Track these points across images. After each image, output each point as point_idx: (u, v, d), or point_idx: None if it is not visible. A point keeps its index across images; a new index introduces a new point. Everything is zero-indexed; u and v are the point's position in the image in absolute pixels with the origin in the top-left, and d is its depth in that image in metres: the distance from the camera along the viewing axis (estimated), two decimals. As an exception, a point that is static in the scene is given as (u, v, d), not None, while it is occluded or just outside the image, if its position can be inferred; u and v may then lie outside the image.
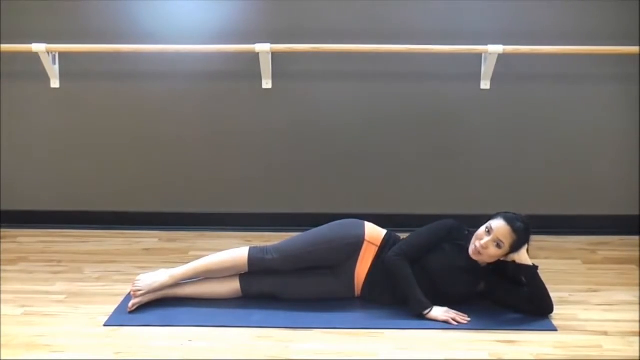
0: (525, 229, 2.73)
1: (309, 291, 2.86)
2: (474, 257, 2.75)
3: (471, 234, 2.80)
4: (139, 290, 2.80)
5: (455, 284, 2.79)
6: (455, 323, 2.69)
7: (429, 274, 2.79)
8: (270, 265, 2.84)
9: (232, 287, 2.88)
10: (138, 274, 3.16)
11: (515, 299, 2.80)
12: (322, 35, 3.64)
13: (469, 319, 2.71)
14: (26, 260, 3.42)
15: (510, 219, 2.72)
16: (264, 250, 2.87)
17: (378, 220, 3.41)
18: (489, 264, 2.80)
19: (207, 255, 2.92)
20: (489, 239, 2.70)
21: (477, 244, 2.72)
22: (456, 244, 2.83)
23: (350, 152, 3.88)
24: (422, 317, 2.72)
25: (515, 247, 2.72)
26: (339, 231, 2.91)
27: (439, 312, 2.73)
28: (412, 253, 2.81)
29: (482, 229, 2.74)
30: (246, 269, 2.86)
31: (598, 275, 3.24)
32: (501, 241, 2.69)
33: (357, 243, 2.87)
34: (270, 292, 2.86)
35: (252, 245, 2.90)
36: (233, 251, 2.89)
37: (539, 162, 3.86)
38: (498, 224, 2.71)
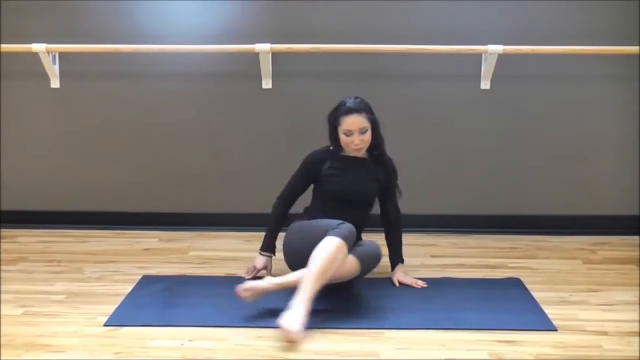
0: (359, 100, 2.98)
1: None
2: (358, 154, 3.01)
3: (333, 143, 3.03)
4: (247, 297, 2.75)
5: (363, 187, 3.03)
6: None
7: (341, 197, 2.99)
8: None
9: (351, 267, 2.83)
10: (138, 274, 3.18)
11: (390, 206, 3.13)
12: (322, 35, 3.64)
13: None
14: (26, 260, 3.42)
15: (351, 109, 2.93)
16: (338, 231, 2.77)
17: (377, 220, 3.42)
18: (376, 161, 3.06)
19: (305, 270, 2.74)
20: (354, 137, 2.93)
21: (352, 147, 2.96)
22: (333, 161, 3.03)
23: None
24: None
25: (373, 119, 2.97)
26: None
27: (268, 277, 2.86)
28: (288, 194, 3.09)
29: (343, 138, 2.95)
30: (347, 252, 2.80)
31: (598, 275, 3.24)
32: (362, 127, 2.93)
33: None
34: None
35: (331, 235, 2.74)
36: (329, 251, 2.70)
37: (538, 162, 3.86)
38: (347, 122, 2.93)
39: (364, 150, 3.02)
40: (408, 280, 3.07)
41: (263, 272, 3.12)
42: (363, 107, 2.95)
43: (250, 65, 3.69)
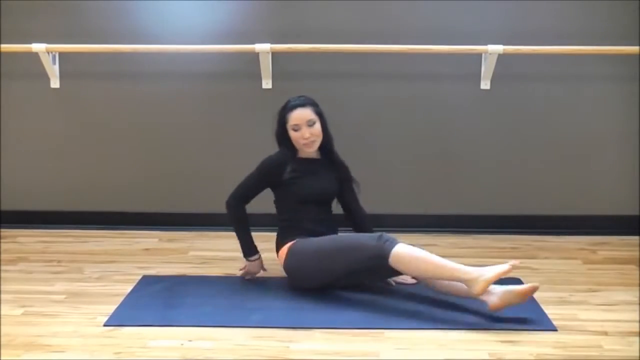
0: (304, 96, 3.06)
1: None
2: (309, 150, 3.04)
3: (285, 146, 3.07)
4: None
5: (328, 187, 3.09)
6: None
7: (311, 199, 3.03)
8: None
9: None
10: (138, 274, 3.18)
11: (352, 199, 3.20)
12: (322, 35, 3.64)
13: None
14: (26, 260, 3.42)
15: (296, 105, 3.01)
16: (390, 242, 2.77)
17: (377, 220, 3.42)
18: (328, 159, 3.11)
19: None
20: (303, 130, 2.98)
21: (302, 142, 2.99)
22: (293, 165, 3.05)
23: (349, 152, 3.86)
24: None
25: (319, 112, 3.04)
26: None
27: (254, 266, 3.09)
28: (245, 195, 3.08)
29: (293, 134, 3.00)
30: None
31: (598, 275, 3.24)
32: (310, 119, 2.99)
33: None
34: None
35: (393, 247, 2.72)
36: (410, 251, 2.72)
37: (538, 162, 3.86)
38: (294, 116, 2.99)
39: (316, 145, 3.04)
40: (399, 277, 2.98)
41: (261, 272, 3.15)
42: (308, 102, 3.03)
43: (250, 65, 3.69)
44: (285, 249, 3.00)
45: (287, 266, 2.99)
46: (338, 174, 3.15)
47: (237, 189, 3.10)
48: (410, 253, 2.70)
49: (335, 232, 3.08)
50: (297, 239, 2.98)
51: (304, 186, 3.04)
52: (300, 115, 2.99)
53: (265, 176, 3.07)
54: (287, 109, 3.03)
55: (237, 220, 3.09)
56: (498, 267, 2.64)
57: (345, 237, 2.93)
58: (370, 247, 2.74)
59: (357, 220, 3.23)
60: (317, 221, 3.05)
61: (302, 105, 3.01)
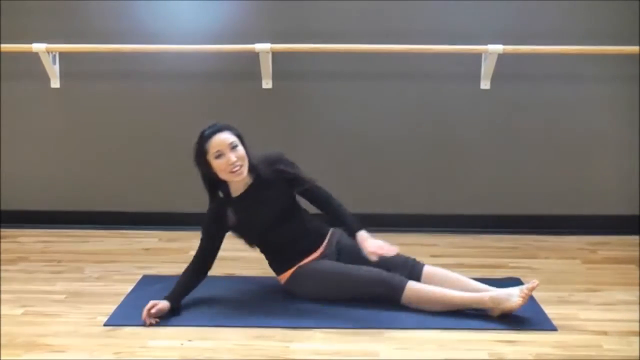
0: (216, 123, 2.77)
1: None
2: (240, 178, 2.76)
3: (214, 185, 2.84)
4: None
5: (272, 208, 2.83)
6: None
7: (265, 230, 2.86)
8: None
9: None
10: (138, 274, 3.18)
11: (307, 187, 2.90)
12: (322, 35, 3.64)
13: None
14: (26, 260, 3.43)
15: (212, 132, 2.73)
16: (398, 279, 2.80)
17: (377, 220, 3.43)
18: (260, 177, 2.83)
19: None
20: (227, 156, 2.70)
21: (229, 169, 2.72)
22: (230, 208, 2.83)
23: (349, 152, 3.88)
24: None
25: (238, 134, 2.77)
26: None
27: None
28: (203, 259, 2.86)
29: (217, 164, 2.72)
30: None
31: (598, 275, 3.24)
32: (230, 144, 2.71)
33: None
34: None
35: (405, 284, 2.77)
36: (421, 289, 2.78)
37: (538, 162, 3.86)
38: (214, 143, 2.71)
39: (245, 170, 2.76)
40: (379, 247, 2.73)
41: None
42: (224, 127, 2.76)
43: (250, 65, 3.69)
44: (286, 276, 2.90)
45: (289, 288, 2.92)
46: (276, 183, 2.87)
47: (194, 257, 2.88)
48: (421, 289, 2.75)
49: (323, 228, 2.97)
50: (297, 269, 2.86)
51: (253, 223, 2.85)
52: (220, 140, 2.71)
53: (212, 236, 2.85)
54: (203, 138, 2.73)
55: (184, 281, 2.84)
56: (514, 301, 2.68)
57: (354, 274, 2.81)
58: (367, 278, 2.77)
59: (325, 205, 2.92)
60: (296, 238, 2.88)
61: (219, 130, 2.74)
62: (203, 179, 2.83)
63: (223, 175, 2.76)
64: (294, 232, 2.89)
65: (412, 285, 2.75)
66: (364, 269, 2.80)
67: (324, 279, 2.84)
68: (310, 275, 2.85)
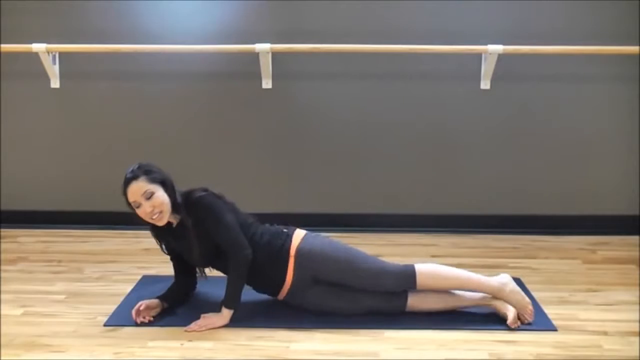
0: (137, 166, 2.67)
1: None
2: (161, 223, 2.69)
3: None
4: None
5: (207, 248, 2.72)
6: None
7: (203, 264, 2.82)
8: None
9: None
10: (138, 274, 3.17)
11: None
12: (322, 35, 3.64)
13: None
14: (26, 260, 3.43)
15: (127, 180, 2.65)
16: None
17: (377, 220, 3.43)
18: (175, 222, 2.75)
19: None
20: (143, 205, 2.63)
21: (148, 218, 2.66)
22: (164, 242, 2.83)
23: (349, 152, 3.88)
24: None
25: (158, 179, 2.66)
26: None
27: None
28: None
29: (138, 212, 2.66)
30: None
31: (598, 275, 3.24)
32: (145, 192, 2.62)
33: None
34: None
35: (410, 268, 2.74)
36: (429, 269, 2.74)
37: (538, 162, 3.86)
38: (129, 194, 2.64)
39: (166, 217, 2.68)
40: (199, 327, 2.64)
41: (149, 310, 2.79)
42: (140, 173, 2.65)
43: (250, 65, 3.69)
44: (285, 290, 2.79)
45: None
46: (197, 228, 2.70)
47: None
48: (429, 269, 2.72)
49: (281, 253, 2.75)
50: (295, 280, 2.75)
51: (189, 258, 2.80)
52: (133, 191, 2.63)
53: (169, 253, 2.87)
54: (124, 184, 2.66)
55: (174, 286, 2.86)
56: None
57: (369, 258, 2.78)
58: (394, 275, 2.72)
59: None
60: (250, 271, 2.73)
61: (134, 179, 2.63)
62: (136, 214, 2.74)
63: (145, 218, 2.69)
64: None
65: (420, 267, 2.73)
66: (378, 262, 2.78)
67: (324, 291, 2.77)
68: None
